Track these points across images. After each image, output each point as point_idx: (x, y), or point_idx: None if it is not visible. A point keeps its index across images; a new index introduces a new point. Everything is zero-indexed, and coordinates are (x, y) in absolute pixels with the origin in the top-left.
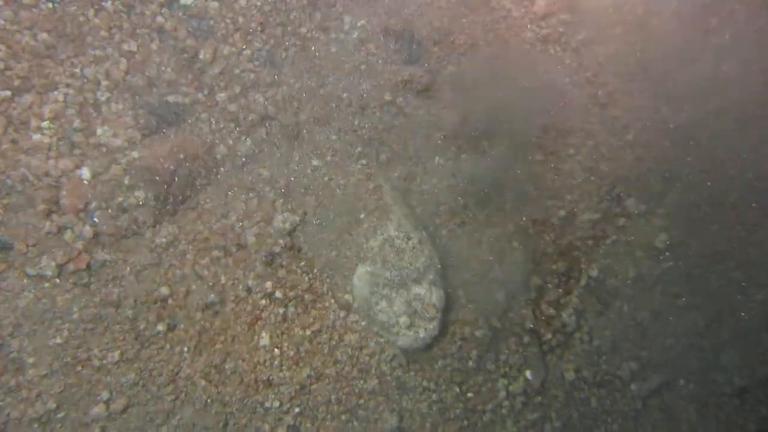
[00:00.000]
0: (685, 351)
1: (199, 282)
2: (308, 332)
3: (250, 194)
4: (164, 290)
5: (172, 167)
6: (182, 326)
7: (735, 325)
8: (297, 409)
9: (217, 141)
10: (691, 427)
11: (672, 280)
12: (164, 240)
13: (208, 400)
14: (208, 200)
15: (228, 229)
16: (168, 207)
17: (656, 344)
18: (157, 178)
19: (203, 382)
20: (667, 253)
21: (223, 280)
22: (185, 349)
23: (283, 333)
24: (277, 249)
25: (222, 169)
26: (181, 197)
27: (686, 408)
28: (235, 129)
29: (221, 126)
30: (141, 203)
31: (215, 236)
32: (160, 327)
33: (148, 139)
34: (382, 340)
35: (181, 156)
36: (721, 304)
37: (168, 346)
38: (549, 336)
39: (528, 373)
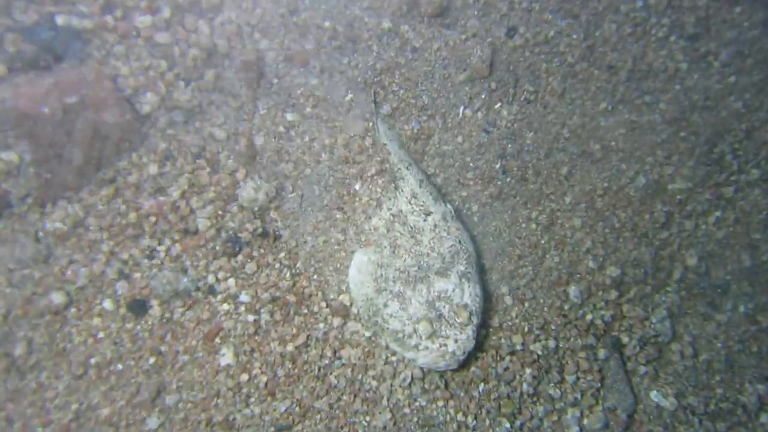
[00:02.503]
0: None
1: (122, 283)
2: (289, 348)
3: (199, 162)
4: (58, 297)
5: (62, 117)
6: (83, 347)
7: None
8: None
9: (141, 87)
10: None
11: None
12: (59, 226)
13: None
14: (132, 170)
15: (167, 209)
16: (66, 178)
17: None
18: (40, 132)
19: (108, 429)
20: None
21: (160, 279)
22: (88, 386)
23: (253, 350)
24: (244, 236)
25: (152, 127)
26: (86, 164)
27: None
28: (169, 70)
29: (146, 64)
30: (13, 169)
31: (147, 220)
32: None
33: (22, 76)
34: (394, 357)
35: (75, 101)
36: None
37: (60, 378)
38: (635, 348)
39: (610, 401)
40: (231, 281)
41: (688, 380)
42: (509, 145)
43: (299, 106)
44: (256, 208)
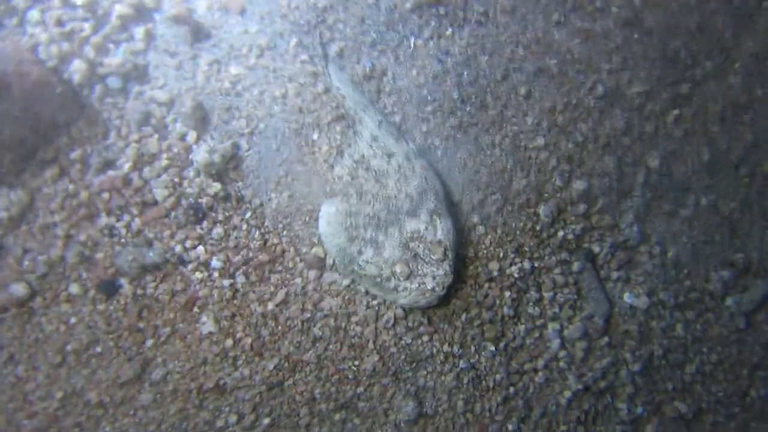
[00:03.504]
0: None
1: (86, 265)
2: (270, 307)
3: (145, 130)
4: (20, 289)
5: None
6: (57, 335)
7: None
8: (267, 420)
9: (67, 55)
10: None
11: (764, 156)
12: (4, 215)
13: None
14: (74, 146)
15: (120, 183)
16: (1, 163)
17: (753, 239)
18: None
19: (99, 411)
20: (751, 116)
21: (124, 257)
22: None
23: (234, 314)
24: (205, 201)
25: (87, 98)
26: (20, 146)
27: None
28: (95, 33)
29: (68, 29)
30: None
31: (99, 197)
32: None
33: None
34: (375, 302)
35: None
36: None
37: (39, 369)
38: (607, 256)
39: (587, 310)
40: (200, 249)
41: (658, 278)
42: (465, 72)
43: (242, 58)
44: (213, 171)
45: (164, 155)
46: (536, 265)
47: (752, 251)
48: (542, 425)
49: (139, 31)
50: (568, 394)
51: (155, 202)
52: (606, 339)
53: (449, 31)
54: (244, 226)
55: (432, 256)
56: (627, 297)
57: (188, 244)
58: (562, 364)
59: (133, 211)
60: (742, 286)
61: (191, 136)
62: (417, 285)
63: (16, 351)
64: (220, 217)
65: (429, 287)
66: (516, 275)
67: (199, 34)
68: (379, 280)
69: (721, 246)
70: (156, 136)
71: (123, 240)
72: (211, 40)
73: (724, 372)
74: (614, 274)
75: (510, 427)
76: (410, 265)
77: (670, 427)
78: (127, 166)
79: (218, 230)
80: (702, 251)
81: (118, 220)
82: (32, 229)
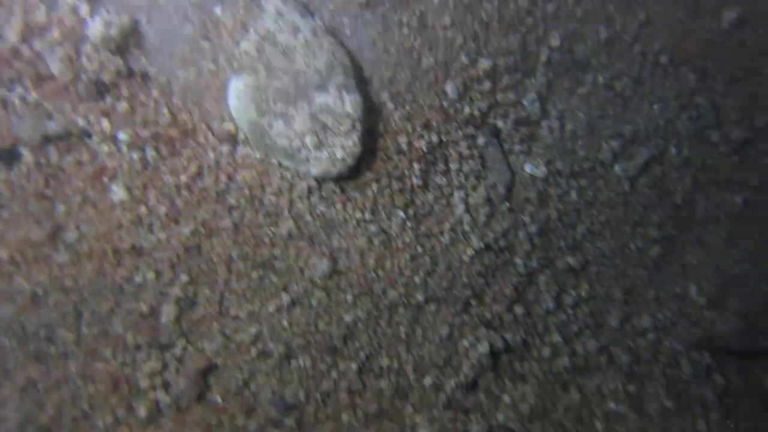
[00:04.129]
0: (676, 114)
1: None
2: (183, 178)
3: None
4: None
5: None
6: None
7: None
8: (185, 277)
9: None
10: (686, 198)
11: (655, 33)
12: None
13: (38, 290)
14: None
15: (9, 55)
16: None
17: (641, 114)
18: None
19: (12, 268)
20: None
21: (23, 126)
22: None
23: (146, 184)
24: (107, 77)
25: None
26: None
27: (680, 179)
28: None
29: None
30: None
31: None
32: None
33: None
34: (288, 173)
35: None
36: None
37: None
38: (511, 131)
39: (491, 179)
40: (105, 123)
41: (556, 150)
42: None
43: None
44: (112, 47)
45: (55, 28)
46: (443, 139)
47: (639, 124)
48: (447, 278)
49: None
50: (471, 252)
51: (52, 76)
52: (507, 205)
53: None
54: (152, 103)
55: (341, 128)
56: (528, 167)
57: (92, 117)
58: (466, 227)
59: (27, 83)
60: (629, 154)
61: (84, 9)
62: (327, 155)
63: None
64: (125, 93)
65: (339, 156)
66: (424, 148)
67: None
68: (290, 151)
69: (613, 120)
70: (43, 6)
71: (19, 111)
72: None
73: (610, 230)
74: (517, 147)
75: (417, 279)
76: (320, 136)
77: (561, 277)
78: (13, 38)
79: (123, 105)
80: (596, 125)
81: (9, 91)
82: None
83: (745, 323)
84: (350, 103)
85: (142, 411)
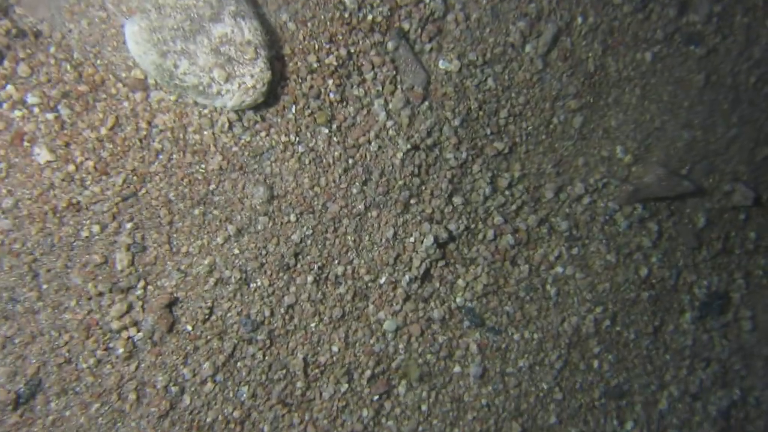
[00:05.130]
0: None
1: None
2: (104, 132)
3: None
4: None
5: None
6: None
7: None
8: (129, 224)
9: None
10: (598, 64)
11: None
12: None
13: None
14: None
15: None
16: None
17: None
18: None
19: None
20: None
21: None
22: None
23: (68, 143)
24: None
25: None
26: None
27: (590, 46)
28: None
29: None
30: None
31: None
32: None
33: None
34: (206, 110)
35: None
36: None
37: None
38: (417, 31)
39: (407, 82)
40: (9, 88)
41: (465, 41)
42: None
43: None
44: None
45: None
46: (352, 50)
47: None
48: (382, 183)
49: None
50: (400, 155)
51: None
52: (426, 103)
53: None
54: (52, 61)
55: (245, 57)
56: (441, 63)
57: None
58: (391, 132)
59: None
60: (537, 31)
61: None
62: (238, 85)
63: None
64: (21, 54)
65: (249, 85)
66: (335, 63)
67: None
68: (201, 88)
69: (516, 0)
70: None
71: None
72: None
73: (531, 109)
74: (426, 46)
75: (354, 190)
76: (226, 68)
77: (492, 162)
78: None
79: (23, 68)
80: (500, 9)
81: None
82: None
83: (669, 170)
84: (249, 30)
85: (120, 349)
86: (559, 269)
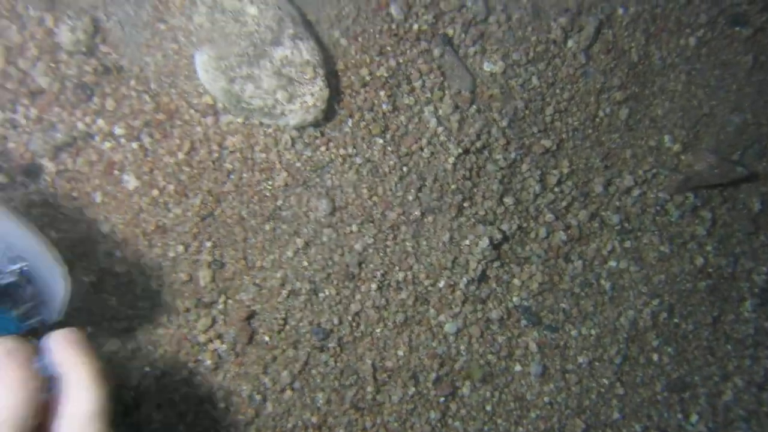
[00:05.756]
0: None
1: (2, 158)
2: (181, 156)
3: (2, 22)
4: None
5: None
6: None
7: None
8: (209, 243)
9: None
10: (641, 53)
11: None
12: None
13: (93, 279)
14: None
15: (3, 79)
16: None
17: None
18: None
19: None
20: None
21: (35, 141)
22: None
23: (151, 169)
24: (88, 79)
25: None
26: None
27: (632, 36)
28: None
29: None
30: None
31: None
32: None
33: None
34: (271, 129)
35: None
36: None
37: None
38: (462, 36)
39: (454, 87)
40: (100, 121)
41: (508, 41)
42: None
43: None
44: (83, 49)
45: (31, 44)
46: (400, 60)
47: None
48: (436, 189)
49: None
50: (452, 159)
51: (42, 90)
52: (474, 107)
53: None
54: (133, 93)
55: (304, 77)
56: (486, 65)
57: (88, 119)
58: (442, 137)
59: (25, 101)
60: (578, 26)
61: (49, 19)
62: (299, 105)
63: None
64: (108, 90)
65: (310, 103)
66: (386, 74)
67: None
68: (266, 110)
69: None
70: (14, 27)
71: (27, 128)
72: None
73: (576, 104)
74: (471, 50)
75: (409, 197)
76: (288, 90)
77: (541, 160)
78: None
79: (110, 102)
80: (541, 6)
81: (14, 112)
82: None
83: (720, 156)
84: (306, 51)
85: (208, 361)
86: (612, 263)
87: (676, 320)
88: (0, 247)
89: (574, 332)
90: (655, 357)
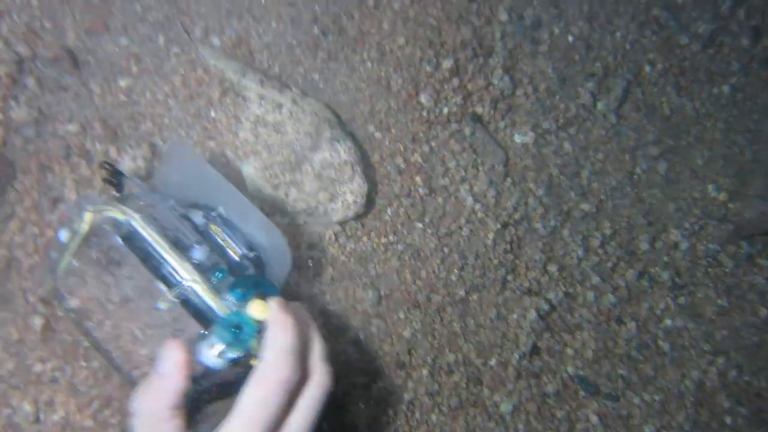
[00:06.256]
0: (638, 33)
1: None
2: None
3: (73, 160)
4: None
5: None
6: None
7: None
8: None
9: None
10: (673, 107)
11: None
12: None
13: None
14: (23, 197)
15: None
16: None
17: (605, 47)
18: None
19: None
20: None
21: None
22: None
23: None
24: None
25: (13, 153)
26: None
27: (662, 91)
28: None
29: None
30: None
31: None
32: None
33: None
34: (314, 228)
35: None
36: None
37: None
38: (491, 112)
39: (487, 163)
40: None
41: (538, 112)
42: (315, 5)
43: (125, 70)
44: (143, 174)
45: (97, 176)
46: (433, 144)
47: (607, 56)
48: (478, 266)
49: (30, 81)
50: (491, 235)
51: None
52: (509, 179)
53: None
54: None
55: (344, 176)
56: (517, 138)
57: None
58: (480, 214)
59: None
60: (606, 88)
61: (113, 151)
62: (341, 203)
63: None
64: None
65: (351, 201)
66: (420, 160)
67: (78, 62)
68: (310, 211)
69: (581, 63)
70: (84, 162)
71: None
72: (91, 65)
73: (612, 164)
74: (501, 124)
75: (453, 277)
76: (329, 190)
77: (581, 224)
78: (72, 196)
79: None
80: (567, 74)
81: None
82: (21, 271)
83: None
84: (344, 151)
85: None
86: (668, 322)
87: (746, 378)
88: (241, 237)
89: (636, 400)
90: (728, 420)
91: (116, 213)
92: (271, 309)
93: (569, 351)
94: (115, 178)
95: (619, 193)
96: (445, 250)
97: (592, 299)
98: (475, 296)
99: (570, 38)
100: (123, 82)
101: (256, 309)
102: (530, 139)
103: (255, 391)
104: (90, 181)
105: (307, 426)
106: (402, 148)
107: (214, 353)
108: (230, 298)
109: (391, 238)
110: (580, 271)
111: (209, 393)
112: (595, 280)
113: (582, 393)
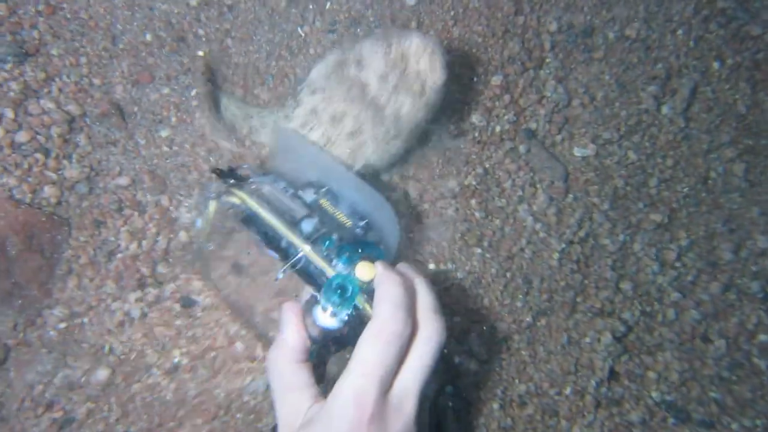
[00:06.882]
0: (703, 28)
1: None
2: None
3: (125, 213)
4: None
5: None
6: None
7: None
8: None
9: (36, 186)
10: (748, 103)
11: None
12: (62, 326)
13: None
14: (79, 253)
15: (130, 263)
16: (30, 294)
17: (667, 46)
18: None
19: None
20: None
21: None
22: None
23: None
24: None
25: (68, 211)
26: (36, 274)
27: (735, 87)
28: (47, 157)
29: (26, 165)
30: None
31: (120, 284)
32: None
33: None
34: None
35: None
36: None
37: None
38: (546, 126)
39: (546, 179)
40: None
41: (596, 122)
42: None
43: (165, 120)
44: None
45: (150, 224)
46: (487, 165)
47: (669, 57)
48: (544, 289)
49: (81, 139)
50: (556, 255)
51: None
52: (571, 195)
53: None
54: None
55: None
56: (576, 151)
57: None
58: (541, 234)
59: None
60: (671, 91)
61: (164, 200)
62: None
63: None
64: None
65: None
66: (474, 183)
67: (125, 115)
68: None
69: (641, 66)
70: (136, 213)
71: None
72: (137, 116)
73: (683, 170)
74: (557, 138)
75: (518, 303)
76: None
77: (654, 236)
78: (131, 248)
79: None
80: (626, 79)
81: (145, 294)
82: (84, 326)
83: None
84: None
85: None
86: (762, 337)
87: None
88: (351, 209)
89: (734, 426)
90: None
91: (234, 198)
92: (377, 269)
93: (651, 374)
94: (228, 176)
95: (693, 200)
96: (508, 275)
97: (673, 317)
98: (543, 321)
99: (627, 42)
100: (164, 133)
101: (362, 270)
102: (591, 152)
103: (369, 343)
104: (144, 232)
105: (419, 379)
106: (455, 172)
107: (327, 314)
108: (338, 263)
109: (449, 266)
110: (656, 287)
111: (328, 348)
112: (675, 295)
113: (671, 420)
